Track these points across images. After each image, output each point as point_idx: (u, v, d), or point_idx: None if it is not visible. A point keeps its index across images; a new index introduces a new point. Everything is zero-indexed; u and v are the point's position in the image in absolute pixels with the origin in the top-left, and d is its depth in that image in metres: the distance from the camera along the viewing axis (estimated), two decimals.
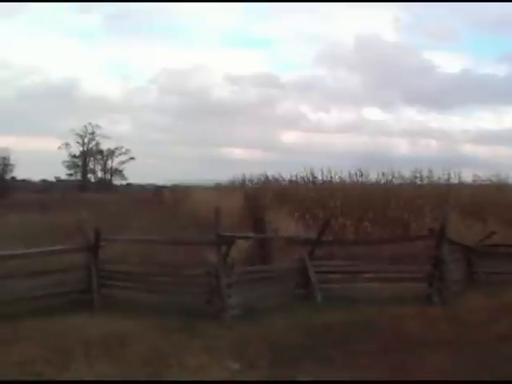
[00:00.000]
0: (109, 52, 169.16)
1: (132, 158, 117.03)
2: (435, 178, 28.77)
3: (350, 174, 29.49)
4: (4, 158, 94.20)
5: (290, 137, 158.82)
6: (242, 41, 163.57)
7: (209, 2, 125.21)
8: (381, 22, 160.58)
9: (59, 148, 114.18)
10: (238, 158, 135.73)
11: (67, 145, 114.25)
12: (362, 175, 29.06)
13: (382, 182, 28.82)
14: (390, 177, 28.66)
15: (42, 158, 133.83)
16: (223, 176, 65.66)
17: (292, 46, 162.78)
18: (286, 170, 40.02)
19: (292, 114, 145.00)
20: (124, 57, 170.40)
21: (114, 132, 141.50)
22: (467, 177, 30.45)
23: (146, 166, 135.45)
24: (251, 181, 39.35)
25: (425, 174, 28.83)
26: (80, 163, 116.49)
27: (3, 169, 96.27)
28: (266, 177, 35.97)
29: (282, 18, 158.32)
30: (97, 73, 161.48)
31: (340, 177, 29.91)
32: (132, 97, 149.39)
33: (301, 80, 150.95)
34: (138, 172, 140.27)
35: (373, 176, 29.19)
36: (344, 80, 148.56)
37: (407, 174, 29.01)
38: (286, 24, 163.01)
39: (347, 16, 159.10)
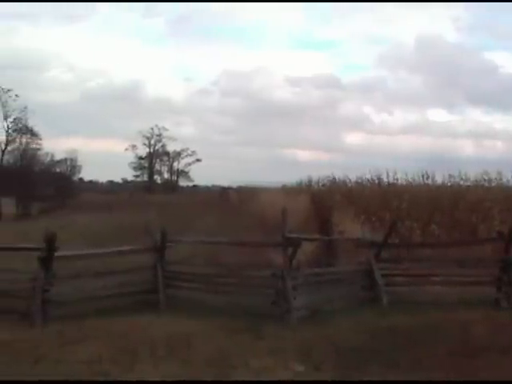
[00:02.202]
0: (172, 54, 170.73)
1: (198, 160, 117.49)
2: (504, 180, 28.24)
3: (415, 175, 29.22)
4: (71, 160, 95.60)
5: (353, 138, 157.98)
6: (303, 42, 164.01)
7: (271, 2, 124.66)
8: (441, 22, 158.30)
9: (126, 150, 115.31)
10: (302, 159, 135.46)
11: (134, 146, 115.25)
12: (428, 177, 28.73)
13: (449, 183, 28.42)
14: (458, 179, 28.25)
15: (108, 159, 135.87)
16: (288, 177, 65.42)
17: (353, 47, 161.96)
18: (351, 171, 39.70)
19: (355, 115, 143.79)
20: (187, 59, 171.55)
21: (178, 134, 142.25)
22: None
23: (212, 168, 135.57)
24: (317, 182, 39.22)
25: (493, 175, 28.32)
26: (146, 165, 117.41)
27: (71, 170, 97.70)
28: (333, 178, 35.84)
29: (343, 20, 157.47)
30: (160, 75, 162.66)
31: (406, 179, 29.66)
32: (195, 99, 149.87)
33: (363, 81, 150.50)
34: (204, 173, 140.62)
35: (439, 178, 28.84)
36: (407, 81, 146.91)
37: (474, 175, 28.55)
38: (346, 25, 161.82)
39: (407, 17, 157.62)
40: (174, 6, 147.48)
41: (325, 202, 27.12)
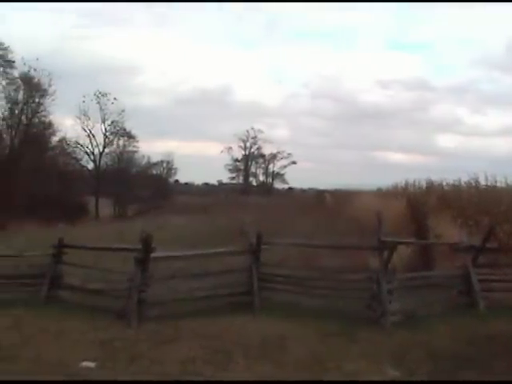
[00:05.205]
0: (263, 57, 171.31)
1: (294, 163, 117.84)
2: None
3: None
4: (168, 162, 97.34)
5: (446, 141, 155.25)
6: (394, 44, 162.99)
7: (362, 3, 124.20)
8: None
9: (221, 152, 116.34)
10: (394, 161, 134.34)
11: (229, 149, 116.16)
12: None
13: None
14: None
15: (203, 161, 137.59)
16: (381, 180, 64.90)
17: (444, 48, 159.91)
18: (445, 174, 39.25)
19: (447, 117, 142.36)
20: (278, 62, 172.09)
21: (271, 136, 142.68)
22: None
23: (306, 170, 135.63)
24: (413, 185, 38.79)
25: None
26: (242, 167, 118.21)
27: (167, 172, 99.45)
28: (429, 182, 35.38)
29: (433, 22, 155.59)
30: (252, 78, 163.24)
31: (505, 182, 28.97)
32: (287, 101, 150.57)
33: (454, 83, 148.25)
34: (299, 176, 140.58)
35: None
36: (500, 82, 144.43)
37: None
38: (437, 27, 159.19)
39: (498, 18, 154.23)
40: (266, 8, 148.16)
41: (421, 206, 26.76)
